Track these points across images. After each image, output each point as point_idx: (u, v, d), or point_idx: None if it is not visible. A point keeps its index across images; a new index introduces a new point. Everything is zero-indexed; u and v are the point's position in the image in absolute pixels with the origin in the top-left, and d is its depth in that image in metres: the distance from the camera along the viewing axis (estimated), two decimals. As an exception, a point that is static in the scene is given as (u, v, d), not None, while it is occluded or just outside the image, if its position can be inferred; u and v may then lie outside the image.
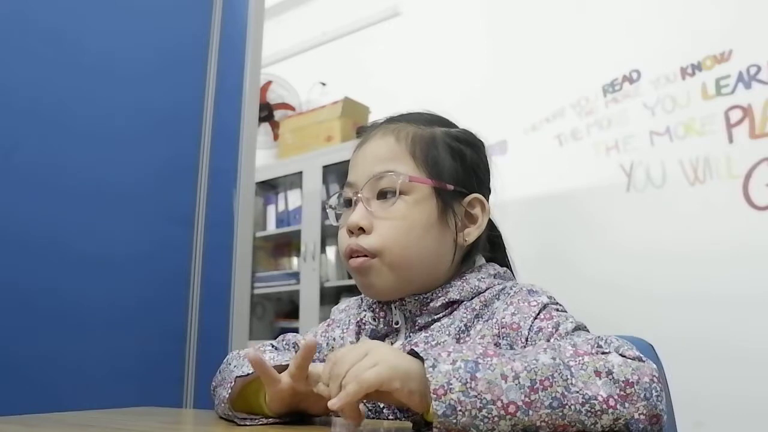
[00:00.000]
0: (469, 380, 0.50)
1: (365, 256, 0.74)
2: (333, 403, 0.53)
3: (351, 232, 0.75)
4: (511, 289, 0.74)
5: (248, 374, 0.68)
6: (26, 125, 1.12)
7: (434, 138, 0.78)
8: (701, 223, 2.10)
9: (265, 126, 3.18)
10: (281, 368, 0.68)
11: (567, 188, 2.42)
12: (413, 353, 0.55)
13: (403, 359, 0.55)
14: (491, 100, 2.59)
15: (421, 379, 0.52)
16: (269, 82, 3.19)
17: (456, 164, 0.78)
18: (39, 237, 1.12)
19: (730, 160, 2.09)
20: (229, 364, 0.76)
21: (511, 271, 0.83)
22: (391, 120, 0.81)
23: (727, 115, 2.12)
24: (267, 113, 3.18)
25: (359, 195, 0.75)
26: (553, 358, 0.53)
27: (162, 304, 1.28)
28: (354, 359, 0.55)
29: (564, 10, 2.54)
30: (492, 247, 0.84)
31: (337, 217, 0.81)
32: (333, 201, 0.82)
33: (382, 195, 0.75)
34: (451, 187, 0.76)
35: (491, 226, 0.82)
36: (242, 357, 0.74)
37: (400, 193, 0.74)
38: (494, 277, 0.78)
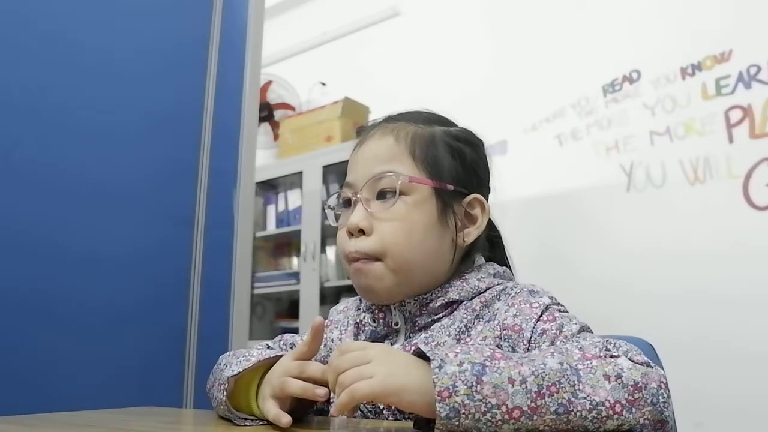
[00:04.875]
0: (474, 383, 0.50)
1: (365, 258, 0.74)
2: (333, 413, 0.54)
3: (350, 234, 0.75)
4: (512, 289, 0.74)
5: (239, 373, 0.68)
6: (26, 125, 1.12)
7: (434, 137, 0.77)
8: (701, 223, 2.10)
9: (265, 126, 3.18)
10: (270, 362, 0.69)
11: (567, 188, 2.42)
12: (420, 353, 0.55)
13: (402, 370, 0.54)
14: (491, 100, 2.59)
15: (422, 387, 0.52)
16: (269, 82, 3.19)
17: (456, 163, 0.77)
18: (38, 237, 1.11)
19: (730, 160, 2.09)
20: (220, 364, 0.76)
21: (510, 270, 0.83)
22: (390, 119, 0.81)
23: (727, 115, 2.12)
24: (267, 113, 3.18)
25: (358, 196, 0.75)
26: (561, 363, 0.53)
27: (162, 304, 1.28)
28: (355, 360, 0.55)
29: (564, 10, 2.54)
30: (491, 246, 0.84)
31: (336, 217, 0.81)
32: (332, 201, 0.82)
33: (382, 195, 0.75)
34: (451, 187, 0.76)
35: (490, 225, 0.82)
36: (232, 356, 0.74)
37: (400, 194, 0.73)
38: (494, 277, 0.77)
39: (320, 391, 0.61)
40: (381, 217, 0.74)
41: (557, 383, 0.51)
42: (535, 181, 2.46)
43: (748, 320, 1.93)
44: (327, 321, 0.86)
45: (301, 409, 0.68)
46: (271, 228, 3.08)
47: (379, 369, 0.54)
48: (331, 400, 0.69)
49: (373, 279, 0.74)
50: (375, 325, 0.77)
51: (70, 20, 1.20)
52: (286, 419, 0.62)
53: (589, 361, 0.54)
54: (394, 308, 0.77)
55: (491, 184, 0.83)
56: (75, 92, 1.20)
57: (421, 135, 0.77)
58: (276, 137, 3.20)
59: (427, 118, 0.81)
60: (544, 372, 0.51)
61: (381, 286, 0.74)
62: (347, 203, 0.78)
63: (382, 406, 0.72)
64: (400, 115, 0.81)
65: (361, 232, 0.74)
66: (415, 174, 0.75)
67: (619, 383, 0.52)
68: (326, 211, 0.82)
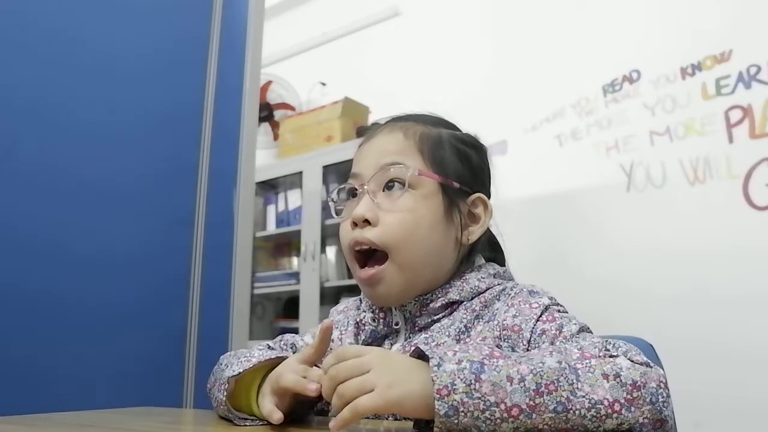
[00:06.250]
0: (473, 381, 0.50)
1: (369, 247, 0.74)
2: (332, 427, 0.53)
3: (355, 224, 0.75)
4: (511, 290, 0.74)
5: (239, 373, 0.68)
6: (26, 125, 1.12)
7: (441, 138, 0.78)
8: (701, 223, 2.10)
9: (265, 126, 3.18)
10: (272, 363, 0.68)
11: (567, 188, 2.41)
12: (419, 352, 0.55)
13: (403, 375, 0.53)
14: (491, 100, 2.59)
15: (423, 391, 0.52)
16: (269, 82, 3.19)
17: (461, 165, 0.78)
18: (38, 237, 1.11)
19: (730, 160, 2.09)
20: (221, 364, 0.76)
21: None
22: (398, 118, 0.82)
23: (727, 115, 2.12)
24: (267, 113, 3.18)
25: (365, 187, 0.75)
26: (559, 362, 0.53)
27: (162, 304, 1.28)
28: (354, 369, 0.54)
29: (564, 10, 2.54)
30: (492, 249, 0.84)
31: (338, 212, 0.81)
32: (334, 195, 0.82)
33: (389, 188, 0.75)
34: (457, 185, 0.77)
35: (489, 231, 0.83)
36: (233, 356, 0.74)
37: (408, 187, 0.74)
38: (494, 277, 0.78)
39: (312, 386, 0.61)
40: (388, 209, 0.74)
41: (556, 382, 0.51)
42: (535, 181, 2.46)
43: (748, 320, 1.93)
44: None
45: (302, 410, 0.68)
46: (271, 228, 3.08)
47: (380, 379, 0.53)
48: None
49: (386, 286, 0.74)
50: (375, 324, 0.77)
51: (70, 20, 1.20)
52: (277, 416, 0.62)
53: (587, 360, 0.54)
54: (395, 308, 0.77)
55: (492, 189, 0.83)
56: (75, 92, 1.19)
57: (429, 135, 0.78)
58: (276, 137, 3.20)
59: (434, 120, 0.82)
60: (542, 371, 0.51)
61: (392, 290, 0.74)
62: (351, 194, 0.78)
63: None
64: (408, 116, 0.82)
65: (366, 222, 0.74)
66: (423, 170, 0.75)
67: (617, 382, 0.52)
68: (329, 203, 0.82)
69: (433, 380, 0.50)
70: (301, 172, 2.94)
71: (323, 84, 3.21)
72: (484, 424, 0.50)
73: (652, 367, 0.55)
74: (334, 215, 0.81)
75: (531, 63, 2.57)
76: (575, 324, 0.66)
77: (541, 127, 2.54)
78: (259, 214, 3.06)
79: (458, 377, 0.50)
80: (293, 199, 3.03)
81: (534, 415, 0.50)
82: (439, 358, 0.51)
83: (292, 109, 3.22)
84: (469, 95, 2.58)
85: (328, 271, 2.79)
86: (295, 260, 3.05)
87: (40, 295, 1.10)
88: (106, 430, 0.67)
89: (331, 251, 2.80)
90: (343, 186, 0.81)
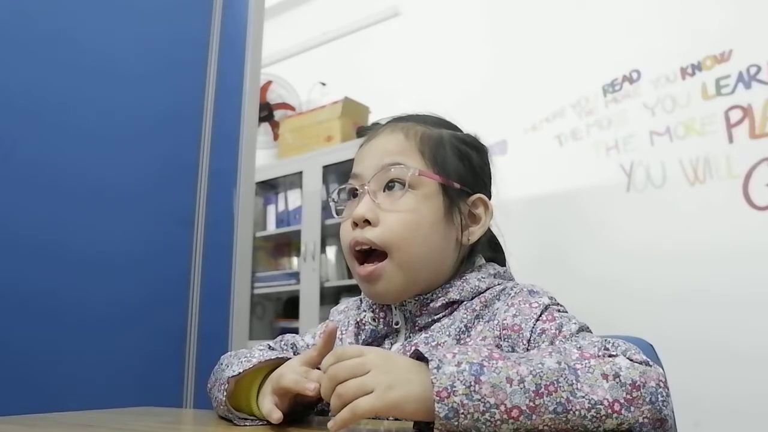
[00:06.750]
0: (473, 383, 0.50)
1: (370, 248, 0.74)
2: (331, 427, 0.53)
3: (356, 224, 0.75)
4: (511, 289, 0.74)
5: (239, 373, 0.68)
6: (26, 125, 1.12)
7: (442, 138, 0.79)
8: (701, 223, 2.10)
9: (265, 126, 3.18)
10: (272, 364, 0.68)
11: (567, 188, 2.42)
12: (418, 354, 0.55)
13: (403, 377, 0.53)
14: (491, 100, 2.59)
15: (422, 393, 0.51)
16: (269, 82, 3.19)
17: (462, 165, 0.78)
18: (39, 237, 1.11)
19: (730, 160, 2.09)
20: (221, 364, 0.76)
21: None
22: (399, 119, 0.82)
23: (727, 115, 2.12)
24: (267, 113, 3.18)
25: (366, 187, 0.75)
26: (559, 363, 0.53)
27: (162, 304, 1.28)
28: (354, 370, 0.54)
29: (564, 10, 2.54)
30: (492, 248, 0.84)
31: (338, 212, 0.81)
32: (334, 195, 0.82)
33: (389, 188, 0.75)
34: (457, 185, 0.77)
35: (490, 232, 0.83)
36: (233, 356, 0.74)
37: (409, 187, 0.74)
38: (494, 277, 0.78)
39: (310, 385, 0.61)
40: (388, 209, 0.74)
41: (555, 382, 0.51)
42: (535, 181, 2.46)
43: (748, 320, 1.93)
44: (328, 321, 0.86)
45: (302, 411, 0.68)
46: (271, 228, 3.08)
47: (379, 380, 0.52)
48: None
49: (384, 283, 0.74)
50: (375, 324, 0.77)
51: (70, 20, 1.20)
52: (276, 415, 0.62)
53: (587, 361, 0.54)
54: (395, 308, 0.77)
55: (492, 190, 0.84)
56: (75, 92, 1.19)
57: (430, 135, 0.78)
58: (276, 137, 3.20)
59: (435, 121, 0.82)
60: (542, 371, 0.51)
61: (391, 287, 0.74)
62: (352, 194, 0.78)
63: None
64: (409, 116, 0.82)
65: (367, 222, 0.74)
66: (424, 170, 0.75)
67: (616, 382, 0.52)
68: (330, 203, 0.82)
69: (432, 383, 0.50)
70: (301, 172, 2.94)
71: (323, 84, 3.21)
72: (484, 426, 0.50)
73: (651, 366, 0.55)
74: (334, 215, 0.81)
75: (531, 63, 2.57)
76: (575, 323, 0.66)
77: (541, 127, 2.54)
78: (259, 214, 3.06)
79: (458, 379, 0.50)
80: (293, 199, 3.03)
81: (534, 416, 0.50)
82: (439, 360, 0.51)
83: (292, 109, 3.22)
84: (469, 95, 2.58)
85: (328, 271, 2.79)
86: (295, 260, 3.05)
87: (39, 295, 1.10)
88: (106, 430, 0.67)
89: (331, 251, 2.80)
90: (343, 186, 0.81)
